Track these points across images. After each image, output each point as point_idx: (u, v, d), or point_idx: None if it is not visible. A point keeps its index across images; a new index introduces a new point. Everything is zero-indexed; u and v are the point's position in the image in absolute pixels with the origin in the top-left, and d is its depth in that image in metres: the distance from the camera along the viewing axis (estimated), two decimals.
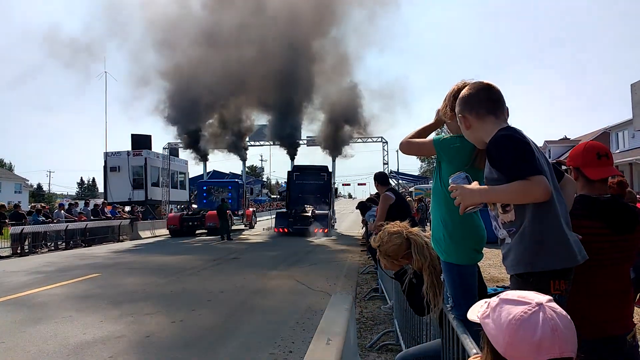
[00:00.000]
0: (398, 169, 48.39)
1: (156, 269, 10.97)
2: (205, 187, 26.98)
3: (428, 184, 39.45)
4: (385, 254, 2.59)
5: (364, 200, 12.31)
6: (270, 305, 7.05)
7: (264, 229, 25.39)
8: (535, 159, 1.72)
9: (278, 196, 63.19)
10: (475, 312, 1.08)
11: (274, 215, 23.86)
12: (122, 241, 20.53)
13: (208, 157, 30.82)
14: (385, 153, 34.48)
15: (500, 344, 0.98)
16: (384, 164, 34.04)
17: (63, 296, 7.83)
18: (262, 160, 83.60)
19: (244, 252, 14.97)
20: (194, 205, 31.65)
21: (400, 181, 43.30)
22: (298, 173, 25.13)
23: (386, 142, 34.29)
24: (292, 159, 30.10)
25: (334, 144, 29.13)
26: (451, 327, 2.09)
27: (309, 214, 21.62)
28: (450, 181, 1.92)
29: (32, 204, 26.14)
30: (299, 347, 4.89)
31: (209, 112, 26.71)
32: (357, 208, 10.72)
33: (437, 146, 2.27)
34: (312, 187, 24.35)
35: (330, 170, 26.37)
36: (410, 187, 36.60)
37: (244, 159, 32.81)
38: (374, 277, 8.94)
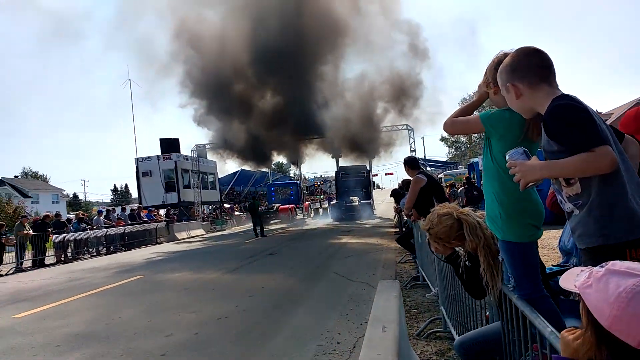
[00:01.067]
0: (425, 156, 47.74)
1: (195, 268, 11.18)
2: (272, 188, 35.70)
3: (457, 169, 38.75)
4: (436, 237, 2.52)
5: (397, 187, 12.21)
6: (311, 299, 7.08)
7: (301, 226, 26.88)
8: (597, 127, 1.63)
9: (306, 192, 63.19)
10: (572, 281, 1.02)
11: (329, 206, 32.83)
12: (159, 243, 21.04)
13: (272, 158, 36.55)
14: (412, 140, 34.10)
15: (605, 317, 0.92)
16: (411, 151, 33.63)
17: (112, 297, 8.07)
18: None
19: (279, 248, 15.08)
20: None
21: (428, 168, 42.76)
22: (343, 172, 32.66)
23: (412, 130, 33.95)
24: (337, 159, 34.85)
25: (362, 147, 31.85)
26: (514, 308, 2.02)
27: (357, 204, 28.04)
28: (507, 157, 1.85)
29: (75, 212, 27.10)
30: (345, 338, 4.89)
31: (233, 84, 28.00)
32: (391, 195, 10.65)
33: (484, 121, 2.19)
34: (355, 183, 31.24)
35: (368, 168, 33.72)
36: (439, 174, 36.14)
37: (296, 163, 38.99)
38: (412, 266, 8.85)
